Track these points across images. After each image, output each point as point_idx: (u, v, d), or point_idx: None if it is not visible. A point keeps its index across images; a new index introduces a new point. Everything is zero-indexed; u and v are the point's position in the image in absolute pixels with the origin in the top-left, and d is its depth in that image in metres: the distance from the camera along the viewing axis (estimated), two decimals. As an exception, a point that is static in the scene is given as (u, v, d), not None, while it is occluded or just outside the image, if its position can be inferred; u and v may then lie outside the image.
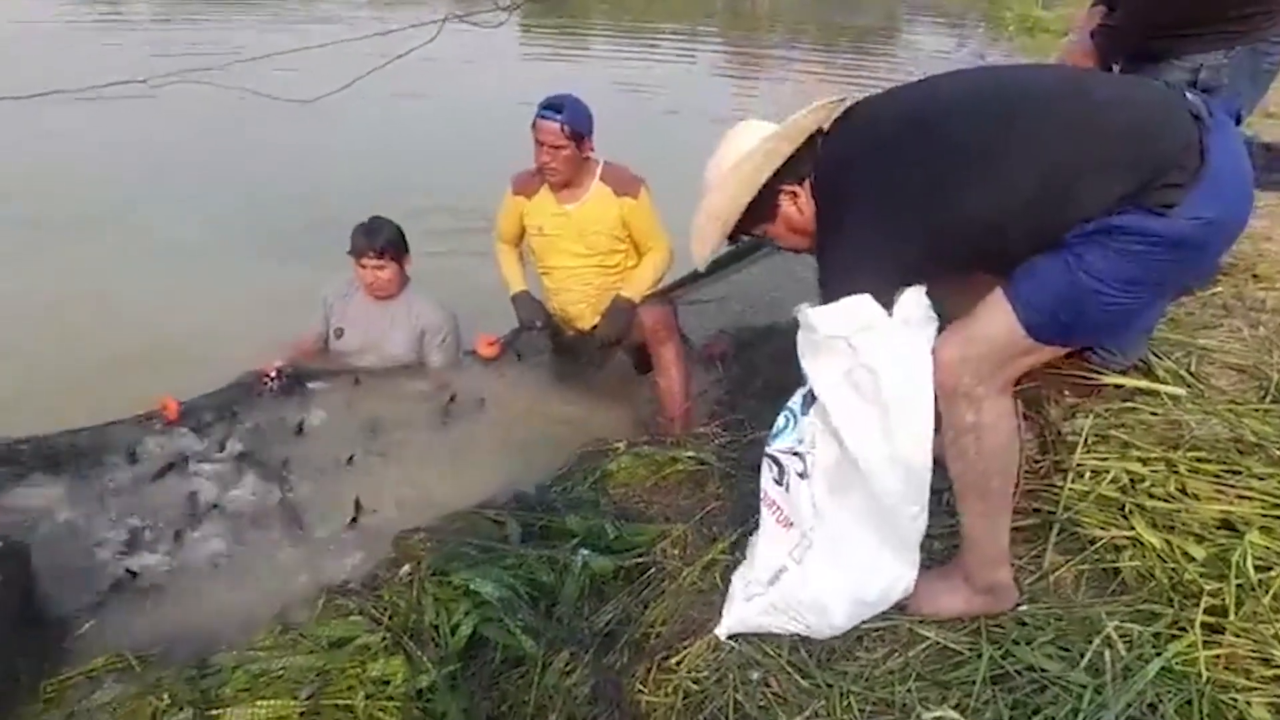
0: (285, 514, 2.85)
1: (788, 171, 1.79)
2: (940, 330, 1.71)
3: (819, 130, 1.80)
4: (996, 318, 1.62)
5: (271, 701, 1.95)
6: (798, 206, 1.83)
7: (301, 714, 1.93)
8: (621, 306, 3.34)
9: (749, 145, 1.80)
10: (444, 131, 7.66)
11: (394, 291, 3.53)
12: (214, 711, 1.95)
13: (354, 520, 2.79)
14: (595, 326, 3.45)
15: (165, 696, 1.96)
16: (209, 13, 13.76)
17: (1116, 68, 2.37)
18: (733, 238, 1.92)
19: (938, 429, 1.71)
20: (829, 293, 1.72)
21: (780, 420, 1.92)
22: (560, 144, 3.17)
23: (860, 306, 1.68)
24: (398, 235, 3.48)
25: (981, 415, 1.64)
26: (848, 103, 1.82)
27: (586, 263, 3.43)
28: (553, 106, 3.16)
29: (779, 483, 1.86)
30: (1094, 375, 2.39)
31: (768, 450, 1.91)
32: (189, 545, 2.71)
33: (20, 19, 11.67)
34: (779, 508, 1.84)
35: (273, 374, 3.38)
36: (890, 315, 1.68)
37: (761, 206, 1.82)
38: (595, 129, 3.29)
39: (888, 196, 1.68)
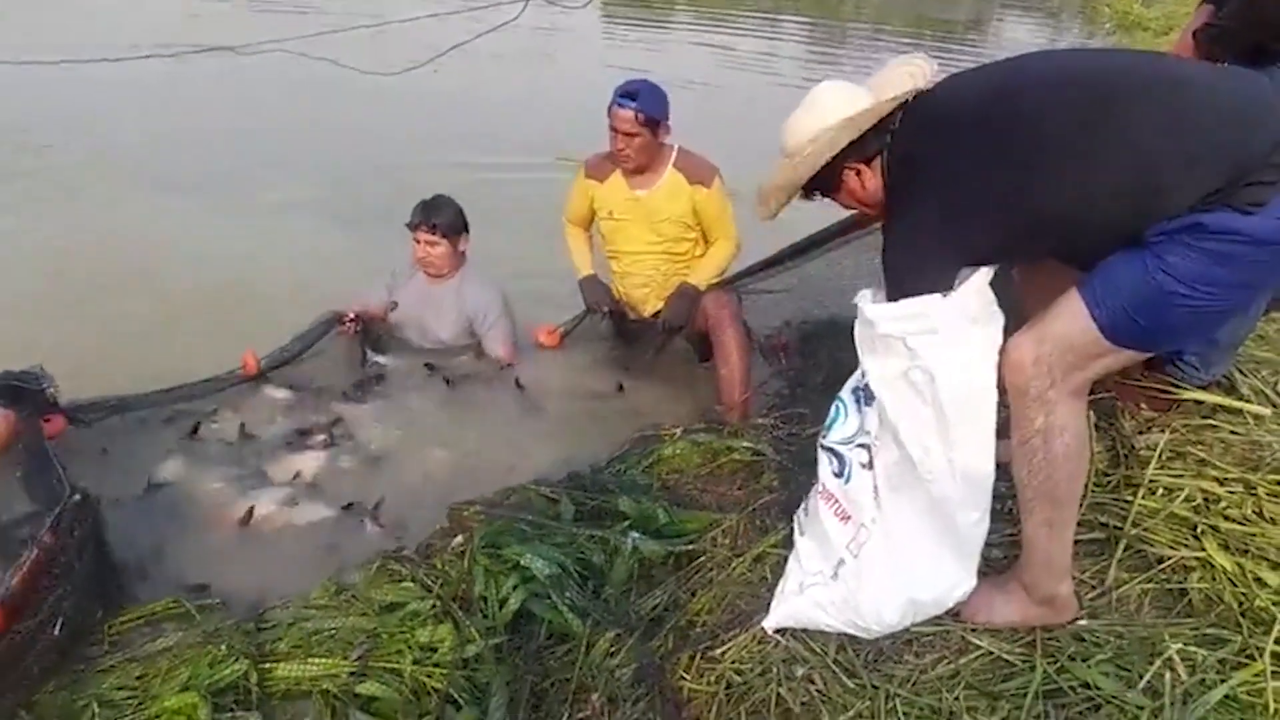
0: (345, 482, 2.92)
1: (855, 149, 1.75)
2: (1006, 326, 1.66)
3: (898, 106, 1.75)
4: (1071, 317, 1.57)
5: (323, 660, 2.01)
6: (861, 181, 1.80)
7: (351, 674, 1.98)
8: (686, 293, 3.32)
9: (829, 110, 1.77)
10: (520, 112, 7.70)
11: (445, 270, 3.57)
12: (268, 665, 2.01)
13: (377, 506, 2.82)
14: (659, 312, 3.44)
15: (223, 647, 2.02)
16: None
17: None
18: (806, 195, 1.89)
19: (1003, 433, 1.67)
20: (894, 280, 1.69)
21: (832, 411, 1.90)
22: (634, 131, 3.16)
23: (921, 308, 1.64)
24: (455, 214, 3.52)
25: (1052, 419, 1.59)
26: (930, 80, 1.76)
27: (654, 249, 3.42)
28: (628, 94, 3.16)
29: (838, 475, 1.84)
30: (1173, 389, 2.29)
31: (823, 442, 1.89)
32: (256, 500, 2.80)
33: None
34: (837, 501, 1.81)
35: (352, 316, 3.50)
36: (953, 302, 1.64)
37: (827, 177, 1.80)
38: (671, 115, 3.27)
39: (964, 184, 1.64)
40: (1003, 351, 1.63)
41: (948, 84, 1.75)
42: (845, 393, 1.87)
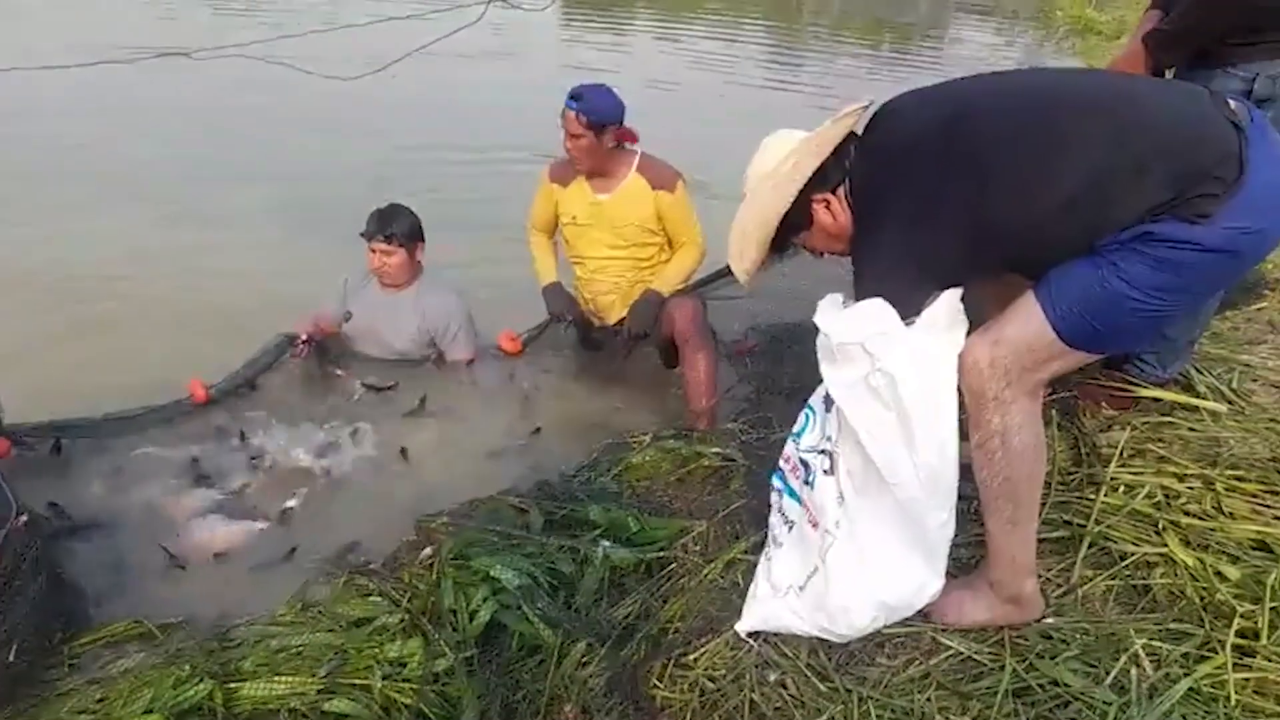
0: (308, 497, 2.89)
1: (819, 181, 1.77)
2: (970, 332, 1.68)
3: (850, 135, 1.78)
4: (1027, 320, 1.60)
5: (290, 678, 1.97)
6: (832, 213, 1.81)
7: (319, 691, 1.95)
8: (650, 299, 3.31)
9: (783, 150, 1.80)
10: (480, 118, 7.66)
11: (402, 280, 3.53)
12: (233, 684, 1.97)
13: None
14: (624, 320, 3.43)
15: (186, 667, 1.98)
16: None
17: (1170, 73, 2.32)
18: (776, 249, 1.90)
19: (964, 435, 1.68)
20: (863, 299, 1.71)
21: (801, 418, 1.92)
22: (579, 133, 3.17)
23: (873, 311, 1.66)
24: (411, 223, 3.48)
25: (1008, 419, 1.62)
26: (875, 106, 1.81)
27: (617, 254, 3.41)
28: (575, 96, 3.17)
29: (807, 483, 1.85)
30: (1132, 387, 2.34)
31: (796, 451, 1.90)
32: (208, 519, 2.75)
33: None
34: (808, 507, 1.82)
35: (304, 338, 3.43)
36: (917, 320, 1.66)
37: (796, 217, 1.81)
38: (629, 120, 3.28)
39: (923, 202, 1.66)
40: (960, 355, 1.66)
41: (899, 106, 1.78)
42: (814, 399, 1.88)
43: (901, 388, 1.62)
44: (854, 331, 1.67)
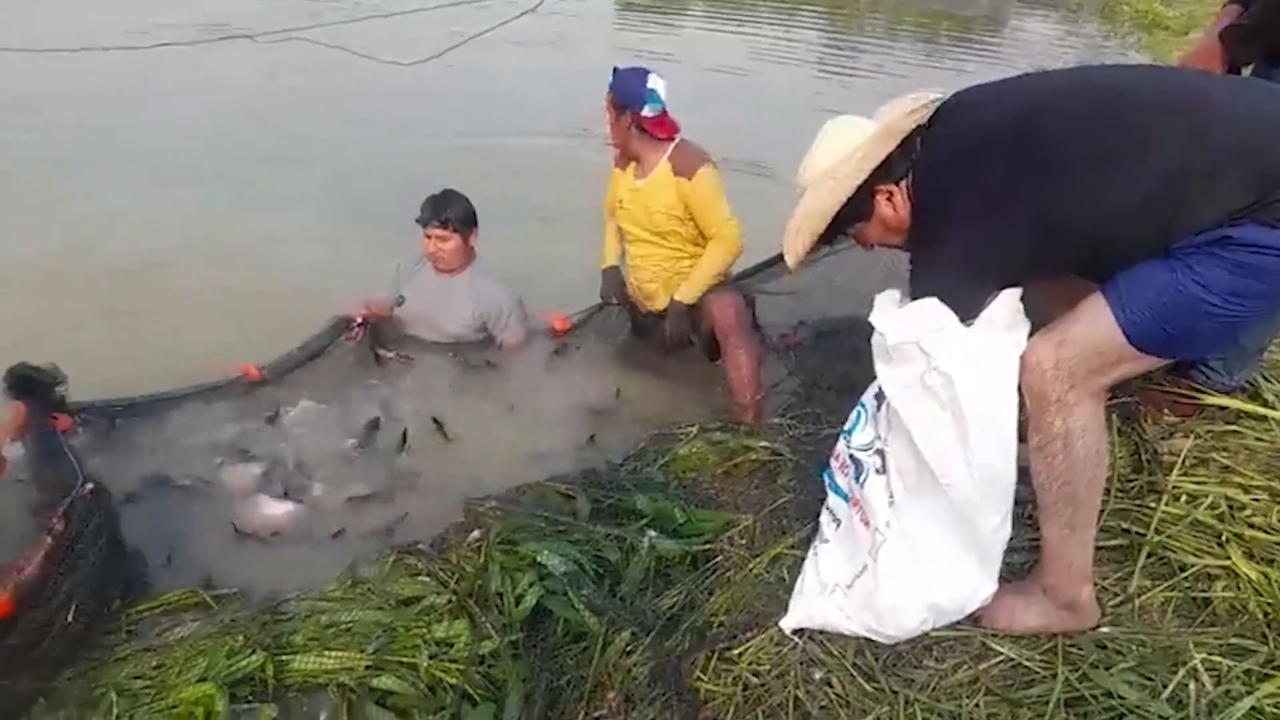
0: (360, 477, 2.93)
1: (884, 173, 1.74)
2: (1031, 333, 1.65)
3: (917, 127, 1.75)
4: (1095, 322, 1.56)
5: (339, 653, 2.01)
6: (893, 205, 1.79)
7: (367, 667, 1.98)
8: (677, 309, 3.31)
9: (844, 144, 1.77)
10: (535, 104, 7.67)
11: (456, 265, 3.55)
12: (284, 657, 2.01)
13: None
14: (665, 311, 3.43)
15: (240, 638, 2.02)
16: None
17: (1247, 71, 2.24)
18: (828, 240, 1.88)
19: (1023, 437, 1.65)
20: (922, 296, 1.68)
21: (853, 415, 1.90)
22: (609, 113, 3.22)
23: (930, 310, 1.64)
24: (466, 209, 3.50)
25: (1071, 422, 1.58)
26: (945, 98, 1.77)
27: (654, 241, 3.41)
28: (612, 73, 3.22)
29: (858, 481, 1.83)
30: (1197, 394, 2.27)
31: (846, 449, 1.88)
32: (265, 493, 2.81)
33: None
34: (859, 505, 1.80)
35: (359, 321, 3.47)
36: (976, 320, 1.63)
37: (856, 207, 1.79)
38: (679, 109, 3.27)
39: (990, 199, 1.63)
40: (1022, 355, 1.62)
41: (969, 99, 1.75)
42: (867, 397, 1.86)
43: (958, 387, 1.60)
44: (910, 330, 1.65)
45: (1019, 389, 1.63)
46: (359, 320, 3.47)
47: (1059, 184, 1.56)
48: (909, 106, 1.73)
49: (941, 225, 1.70)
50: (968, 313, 1.63)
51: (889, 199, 1.78)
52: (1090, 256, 1.62)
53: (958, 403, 1.60)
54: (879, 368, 1.74)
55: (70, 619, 2.06)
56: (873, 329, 1.74)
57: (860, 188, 1.75)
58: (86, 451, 2.70)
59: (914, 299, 1.70)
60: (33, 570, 1.99)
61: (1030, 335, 1.65)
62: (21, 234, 4.52)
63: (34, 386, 2.66)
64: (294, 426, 3.15)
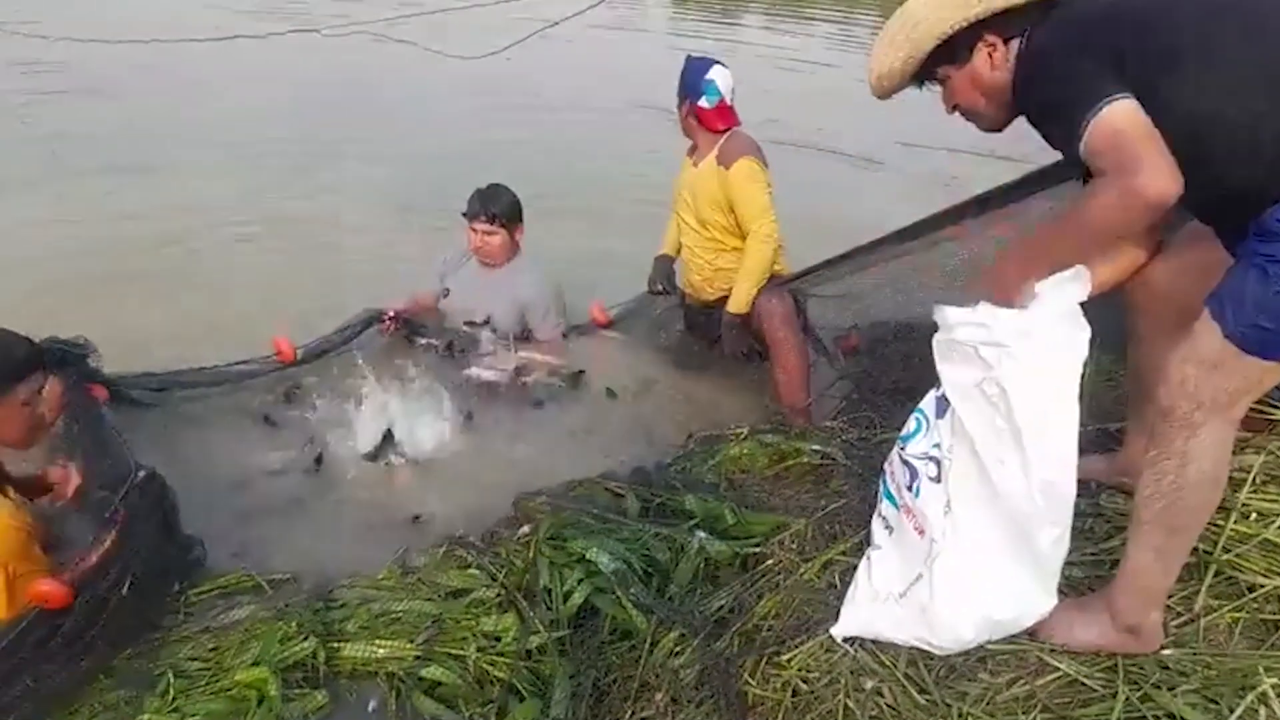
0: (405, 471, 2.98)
1: (1000, 21, 1.66)
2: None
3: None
4: (1204, 333, 1.50)
5: (390, 642, 2.03)
6: (993, 61, 1.70)
7: (416, 657, 2.00)
8: (730, 324, 3.34)
9: None
10: (590, 97, 7.68)
11: (501, 259, 3.58)
12: (335, 644, 2.04)
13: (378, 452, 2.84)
14: (716, 302, 3.41)
15: (294, 624, 2.06)
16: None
17: None
18: (917, 76, 1.79)
19: (1083, 450, 1.61)
20: (1064, 116, 1.55)
21: (911, 423, 1.86)
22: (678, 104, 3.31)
23: (989, 317, 1.60)
24: (512, 204, 3.52)
25: (1192, 443, 1.52)
26: None
27: (698, 231, 3.42)
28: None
29: (909, 488, 1.80)
30: (1269, 409, 2.19)
31: (901, 454, 1.85)
32: (315, 479, 2.85)
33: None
34: (913, 513, 1.77)
35: (391, 314, 3.51)
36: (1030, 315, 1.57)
37: (956, 45, 1.70)
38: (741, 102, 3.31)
39: (1117, 56, 1.52)
40: (1143, 368, 1.57)
41: None
42: (926, 403, 1.82)
43: (1014, 399, 1.56)
44: (969, 333, 1.62)
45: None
46: (391, 314, 3.51)
47: (1185, 67, 1.48)
48: None
49: (1051, 68, 1.59)
50: (1100, 98, 1.48)
51: (991, 52, 1.70)
52: (1197, 158, 1.48)
53: (1013, 415, 1.57)
54: (940, 368, 1.71)
55: (124, 594, 2.09)
56: (934, 329, 1.70)
57: (971, 25, 1.66)
58: (127, 429, 2.71)
59: (1048, 123, 1.61)
60: (93, 561, 2.03)
61: (1108, 350, 1.61)
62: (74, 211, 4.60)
63: (65, 361, 2.65)
64: (323, 410, 3.18)
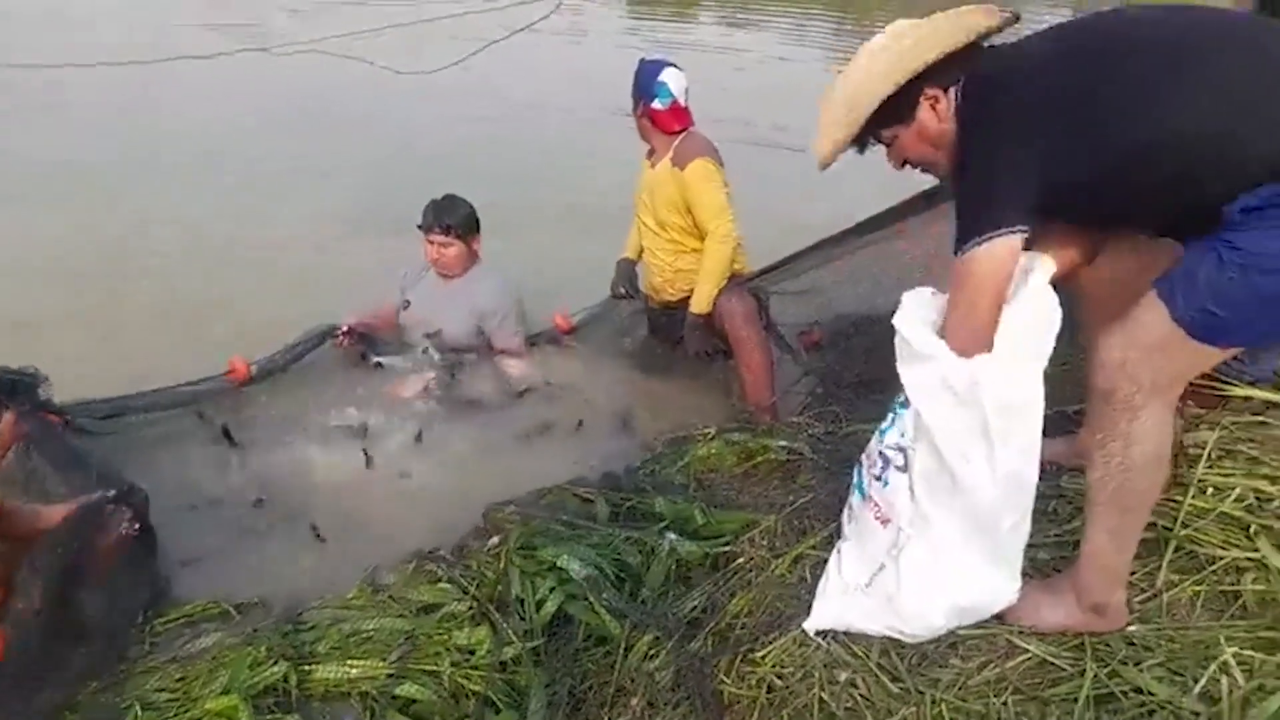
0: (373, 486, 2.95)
1: (936, 72, 1.66)
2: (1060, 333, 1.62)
3: (977, 39, 1.67)
4: (1150, 315, 1.51)
5: (362, 662, 2.01)
6: (937, 113, 1.70)
7: (389, 675, 1.98)
8: (693, 323, 3.34)
9: (904, 34, 1.70)
10: (550, 104, 7.67)
11: (458, 270, 3.55)
12: (307, 667, 2.01)
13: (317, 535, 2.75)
14: (676, 303, 3.42)
15: (263, 649, 2.03)
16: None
17: None
18: (861, 139, 1.78)
19: (1047, 433, 1.63)
20: (967, 220, 1.61)
21: (889, 415, 1.87)
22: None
23: (943, 351, 1.62)
24: (468, 215, 3.50)
25: (1134, 425, 1.54)
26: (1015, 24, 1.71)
27: (656, 233, 3.44)
28: None
29: (879, 479, 1.81)
30: (1221, 386, 2.24)
31: (878, 446, 1.86)
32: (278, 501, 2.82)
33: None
34: (877, 504, 1.79)
35: (345, 329, 3.49)
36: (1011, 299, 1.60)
37: (899, 105, 1.69)
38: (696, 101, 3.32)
39: (1045, 118, 1.56)
40: (1092, 352, 1.58)
41: (1027, 39, 1.70)
42: (900, 398, 1.83)
43: (983, 389, 1.58)
44: (933, 346, 1.63)
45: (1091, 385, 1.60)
46: (344, 329, 3.48)
47: (1118, 107, 1.51)
48: (988, 10, 1.67)
49: (988, 137, 1.62)
50: (1005, 225, 1.55)
51: (934, 105, 1.69)
52: (1139, 198, 1.56)
53: (981, 404, 1.58)
54: (901, 369, 1.72)
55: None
56: (895, 329, 1.72)
57: (907, 84, 1.66)
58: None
59: (958, 226, 1.63)
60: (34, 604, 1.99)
61: (1062, 337, 1.62)
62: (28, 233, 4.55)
63: (15, 390, 2.54)
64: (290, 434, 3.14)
